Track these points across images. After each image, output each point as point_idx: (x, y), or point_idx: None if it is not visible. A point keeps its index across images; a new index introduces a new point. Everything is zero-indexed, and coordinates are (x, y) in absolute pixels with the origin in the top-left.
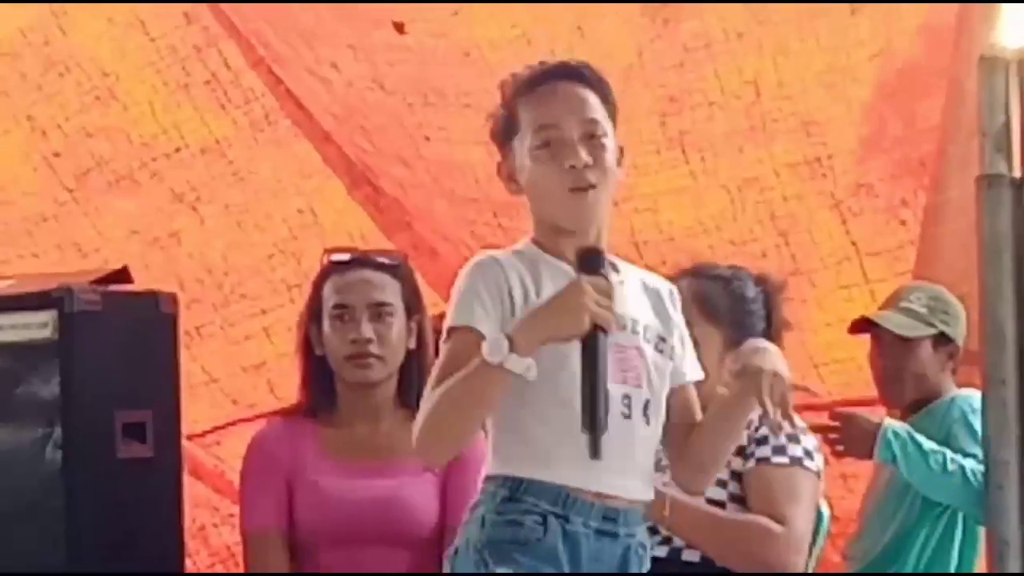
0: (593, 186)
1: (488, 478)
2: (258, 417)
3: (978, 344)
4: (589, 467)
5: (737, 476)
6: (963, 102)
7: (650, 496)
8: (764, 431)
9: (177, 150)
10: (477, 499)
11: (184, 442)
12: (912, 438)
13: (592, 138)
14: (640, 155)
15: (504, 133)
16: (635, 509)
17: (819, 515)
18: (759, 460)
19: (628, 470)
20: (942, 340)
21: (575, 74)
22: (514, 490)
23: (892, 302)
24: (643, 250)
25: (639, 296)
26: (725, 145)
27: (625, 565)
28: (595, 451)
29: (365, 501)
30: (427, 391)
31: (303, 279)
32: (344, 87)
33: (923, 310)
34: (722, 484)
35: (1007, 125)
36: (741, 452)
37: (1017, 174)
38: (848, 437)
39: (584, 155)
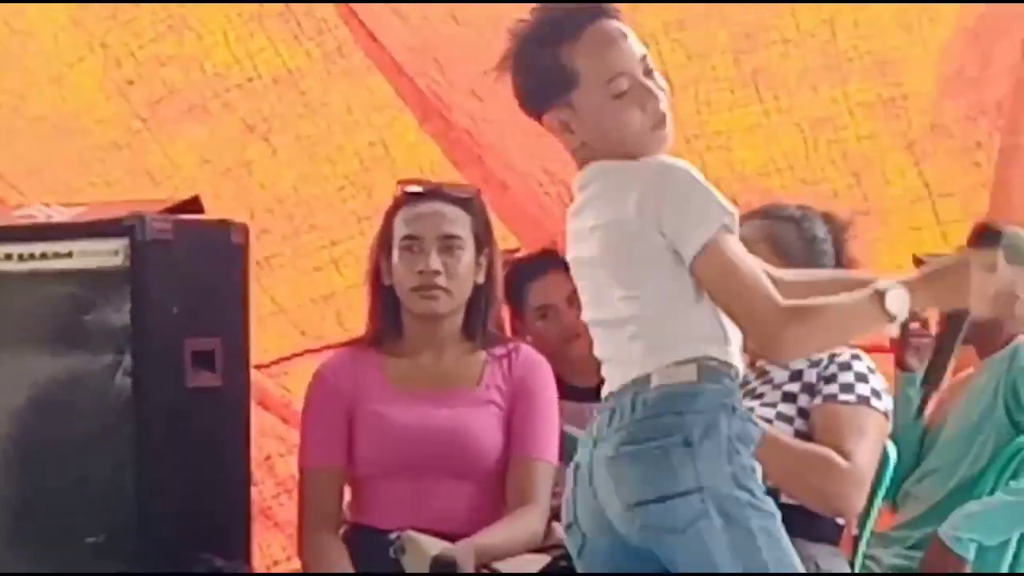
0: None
1: (702, 360)
2: (325, 348)
3: None
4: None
5: (804, 413)
6: None
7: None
8: (832, 369)
9: (250, 80)
10: (693, 379)
11: (252, 372)
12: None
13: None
14: (713, 92)
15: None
16: None
17: (885, 455)
18: (826, 397)
19: None
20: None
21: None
22: (733, 378)
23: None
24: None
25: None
26: (799, 84)
27: None
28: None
29: (427, 431)
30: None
31: (373, 211)
32: (419, 20)
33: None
34: (788, 420)
35: None
36: (809, 389)
37: None
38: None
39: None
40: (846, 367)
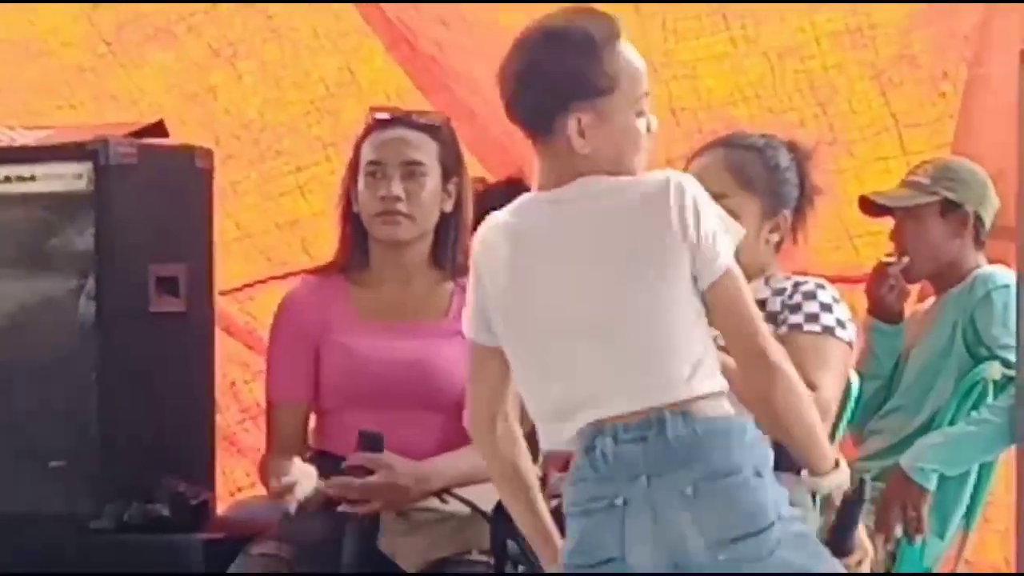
0: None
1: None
2: (291, 275)
3: (1014, 220)
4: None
5: None
6: None
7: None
8: (797, 299)
9: (215, 5)
10: (732, 412)
11: (216, 297)
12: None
13: None
14: (680, 20)
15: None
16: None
17: (848, 385)
18: (791, 327)
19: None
20: (950, 207)
21: None
22: None
23: (903, 180)
24: (680, 117)
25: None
26: (766, 12)
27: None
28: None
29: (393, 362)
30: None
31: (339, 137)
32: None
33: (926, 180)
34: None
35: None
36: (773, 319)
37: None
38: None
39: None
40: (811, 296)
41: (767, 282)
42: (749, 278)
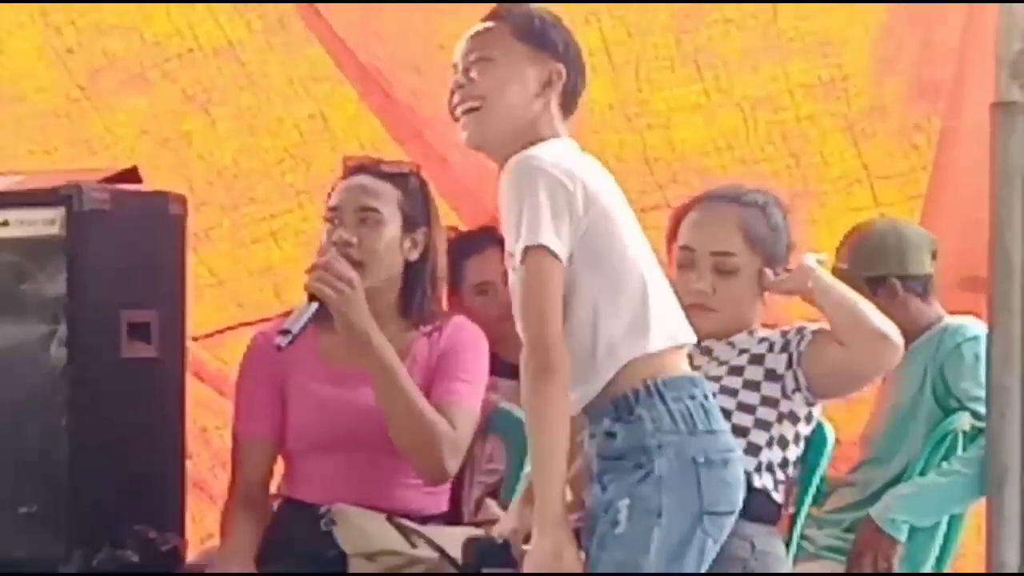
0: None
1: None
2: (263, 321)
3: (986, 272)
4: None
5: (772, 375)
6: (982, 27)
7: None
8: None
9: (190, 51)
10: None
11: (188, 343)
12: (903, 502)
13: None
14: (654, 71)
15: None
16: (597, 406)
17: (822, 436)
18: (816, 331)
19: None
20: (876, 282)
21: None
22: None
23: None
24: (654, 166)
25: None
26: (740, 63)
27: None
28: None
29: (355, 407)
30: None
31: (313, 185)
32: None
33: (845, 265)
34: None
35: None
36: (784, 347)
37: None
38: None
39: None
40: (803, 327)
41: (751, 334)
42: (737, 331)
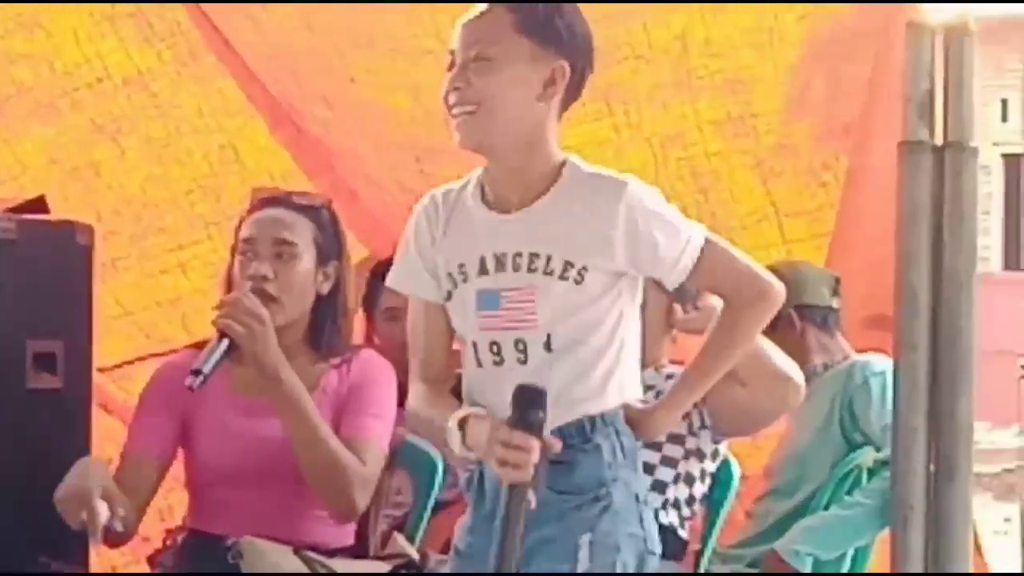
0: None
1: None
2: (170, 351)
3: (893, 310)
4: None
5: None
6: (889, 67)
7: (560, 420)
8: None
9: (99, 80)
10: None
11: (95, 374)
12: (807, 534)
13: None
14: None
15: None
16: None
17: (728, 472)
18: None
19: None
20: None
21: None
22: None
23: None
24: None
25: (557, 221)
26: (650, 100)
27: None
28: None
29: (263, 440)
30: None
31: (222, 216)
32: (272, 26)
33: None
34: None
35: (931, 92)
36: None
37: (938, 141)
38: None
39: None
40: None
41: (658, 370)
42: (645, 367)
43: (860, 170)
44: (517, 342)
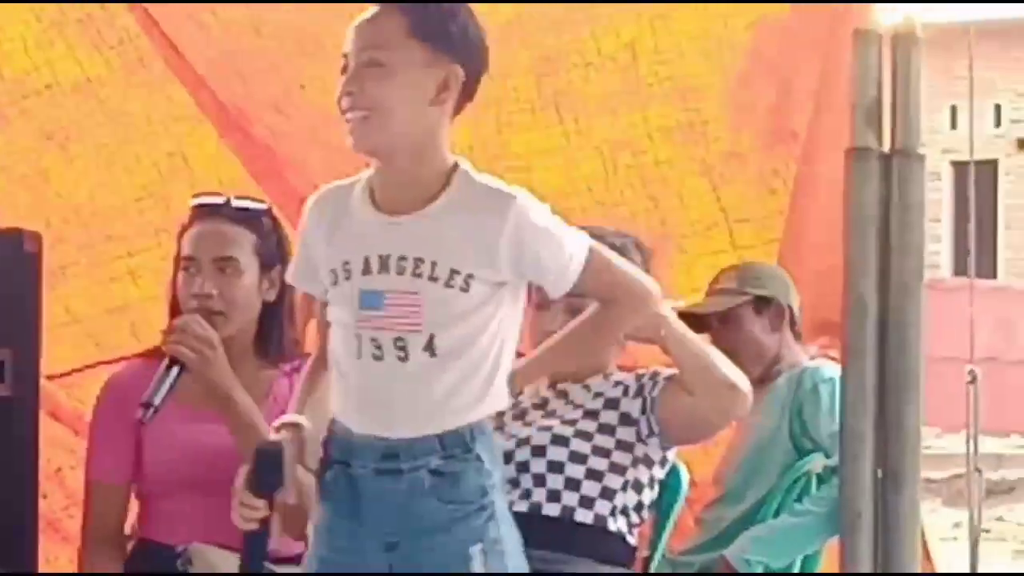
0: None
1: None
2: (120, 359)
3: (841, 316)
4: (362, 412)
5: (627, 419)
6: (837, 74)
7: (442, 427)
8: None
9: (48, 87)
10: None
11: (43, 382)
12: (757, 543)
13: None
14: (514, 113)
15: None
16: (421, 444)
17: (677, 478)
18: (668, 378)
19: (398, 408)
20: (762, 303)
21: None
22: (324, 443)
23: (709, 292)
24: None
25: (445, 229)
26: (599, 107)
27: (410, 496)
28: None
29: (214, 448)
30: None
31: (171, 223)
32: (221, 32)
33: (733, 284)
34: (587, 437)
35: (878, 99)
36: (639, 391)
37: (886, 148)
38: None
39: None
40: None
41: (606, 377)
42: (590, 374)
43: (809, 177)
44: (397, 340)
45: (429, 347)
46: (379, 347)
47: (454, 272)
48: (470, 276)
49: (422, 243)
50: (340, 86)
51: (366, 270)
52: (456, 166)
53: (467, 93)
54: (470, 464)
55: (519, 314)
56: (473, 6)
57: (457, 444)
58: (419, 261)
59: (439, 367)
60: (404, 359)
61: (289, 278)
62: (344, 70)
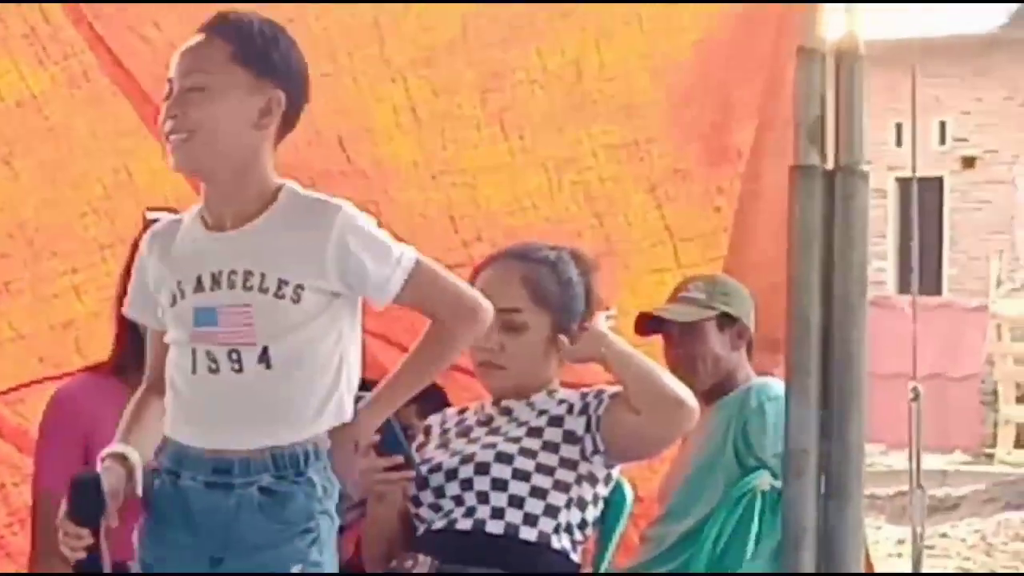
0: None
1: None
2: (64, 376)
3: (784, 333)
4: (196, 425)
5: (571, 437)
6: (781, 91)
7: (276, 441)
8: (596, 391)
9: None
10: None
11: None
12: None
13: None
14: (460, 130)
15: None
16: (255, 461)
17: (621, 495)
18: (613, 395)
19: (232, 420)
20: (727, 321)
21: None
22: (156, 452)
23: (674, 296)
24: (459, 224)
25: (271, 241)
26: (545, 124)
27: (238, 512)
28: None
29: None
30: None
31: (116, 239)
32: (165, 47)
33: (702, 296)
34: (531, 455)
35: (821, 116)
36: (583, 410)
37: (829, 166)
38: None
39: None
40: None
41: (551, 395)
42: (534, 391)
43: (752, 194)
44: (232, 352)
45: (264, 358)
46: (214, 360)
47: (283, 282)
48: (300, 286)
49: (251, 256)
50: (163, 110)
51: (198, 288)
52: (282, 186)
53: (288, 122)
54: (301, 487)
55: (359, 330)
56: (422, 18)
57: (291, 464)
58: (248, 274)
59: (274, 379)
60: (239, 371)
61: (124, 310)
62: (168, 95)
